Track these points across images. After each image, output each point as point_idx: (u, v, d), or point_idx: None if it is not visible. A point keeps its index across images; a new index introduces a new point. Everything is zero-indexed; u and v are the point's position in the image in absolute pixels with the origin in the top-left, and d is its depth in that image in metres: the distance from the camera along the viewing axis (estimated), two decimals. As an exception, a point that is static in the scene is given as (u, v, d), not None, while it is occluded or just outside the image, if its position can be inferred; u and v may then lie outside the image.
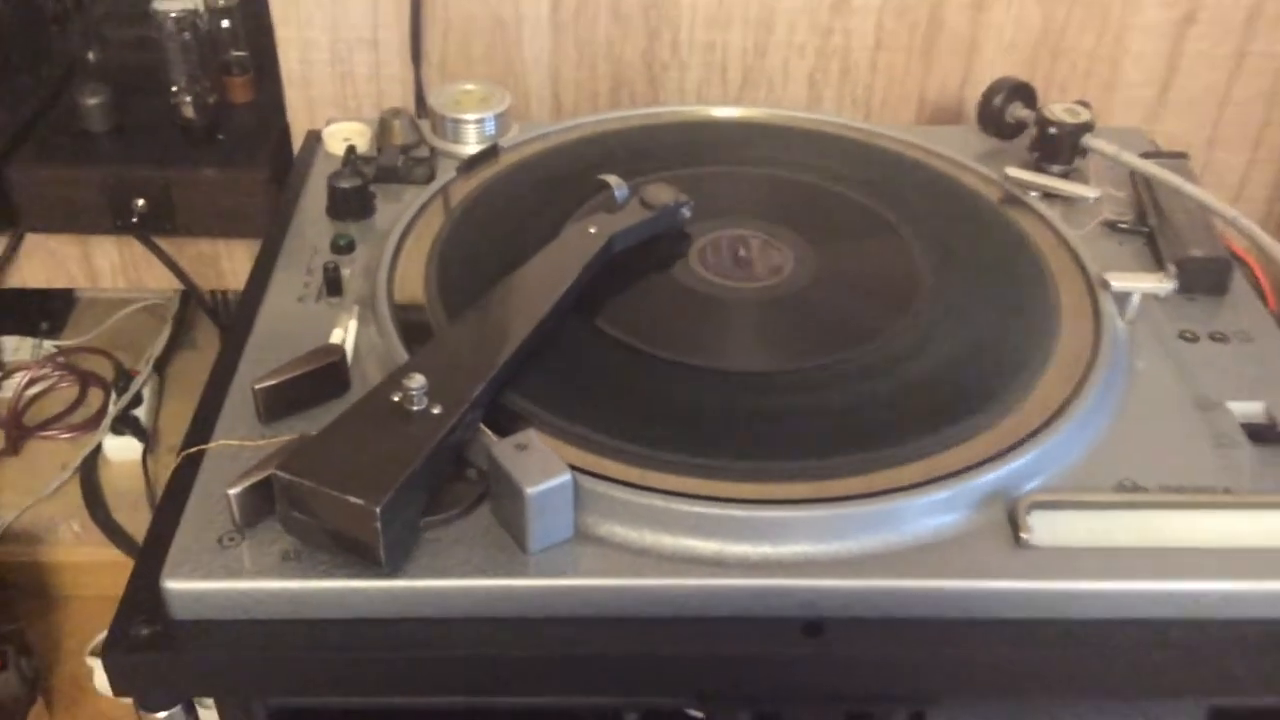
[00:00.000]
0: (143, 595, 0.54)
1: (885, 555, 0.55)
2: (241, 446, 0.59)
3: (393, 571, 0.53)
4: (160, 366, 1.37)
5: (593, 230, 0.68)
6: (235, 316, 0.69)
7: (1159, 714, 0.59)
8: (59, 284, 1.10)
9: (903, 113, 1.02)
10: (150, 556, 0.55)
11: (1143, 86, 1.01)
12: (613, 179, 0.70)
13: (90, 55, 1.04)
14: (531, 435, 0.55)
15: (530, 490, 0.53)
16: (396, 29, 0.96)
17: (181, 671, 0.54)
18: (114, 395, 1.30)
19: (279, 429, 0.60)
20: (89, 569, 1.23)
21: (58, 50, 1.12)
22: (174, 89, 0.99)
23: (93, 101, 0.99)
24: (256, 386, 0.60)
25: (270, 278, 0.71)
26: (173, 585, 0.53)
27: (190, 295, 1.38)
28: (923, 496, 0.56)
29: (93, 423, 1.31)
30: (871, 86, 1.01)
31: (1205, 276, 0.71)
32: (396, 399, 0.55)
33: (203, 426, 0.61)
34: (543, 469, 0.54)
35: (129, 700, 1.11)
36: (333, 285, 0.69)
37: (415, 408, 0.55)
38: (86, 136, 1.00)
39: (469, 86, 0.82)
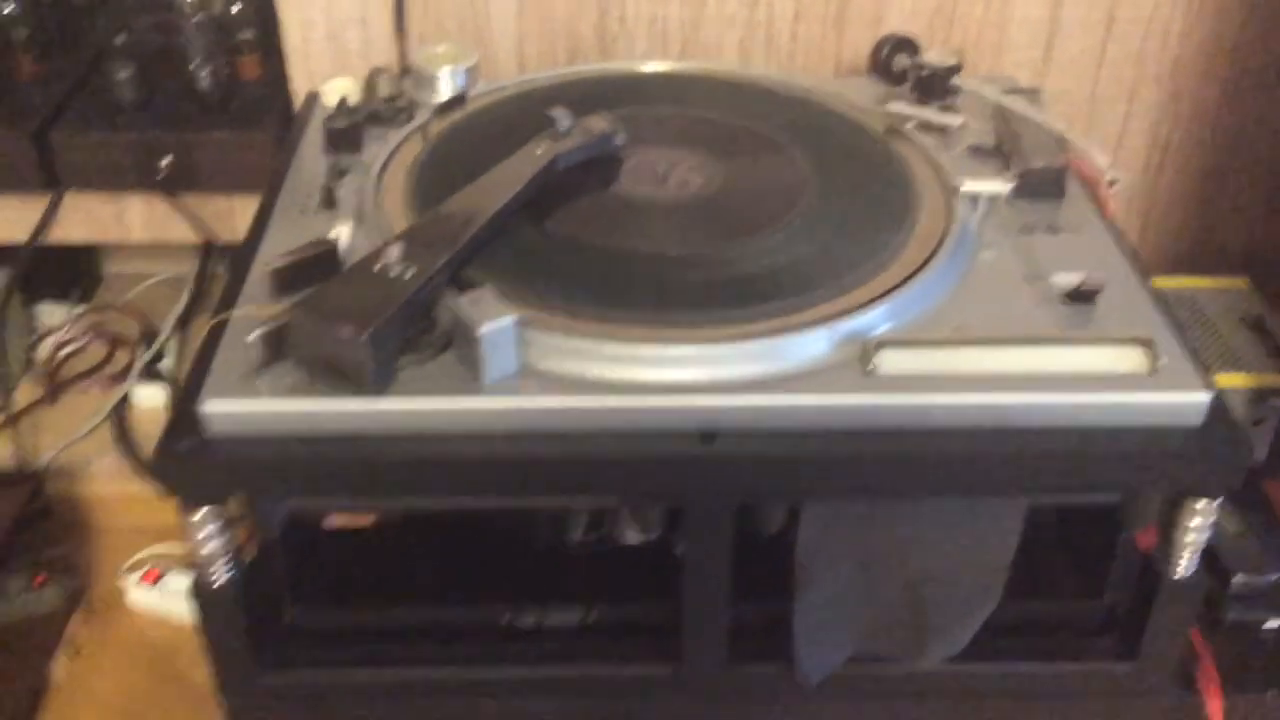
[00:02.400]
0: (184, 418, 0.70)
1: (767, 381, 0.71)
2: (259, 313, 0.74)
3: (377, 394, 0.69)
4: (182, 326, 1.53)
5: (540, 150, 0.84)
6: (251, 224, 0.85)
7: (986, 509, 0.74)
8: (94, 239, 1.25)
9: (820, 75, 1.18)
10: (189, 392, 0.71)
11: (1028, 49, 1.17)
12: (558, 111, 0.86)
13: (118, 40, 1.20)
14: (485, 291, 0.71)
15: (482, 329, 0.68)
16: (383, 8, 1.12)
17: (213, 477, 0.70)
18: (141, 349, 1.46)
19: (287, 302, 0.75)
20: (120, 502, 1.37)
21: (88, 37, 1.29)
22: (192, 65, 1.15)
23: (123, 76, 1.14)
24: (270, 267, 0.75)
25: (278, 197, 0.87)
26: (208, 408, 0.69)
27: (207, 263, 1.55)
28: (795, 336, 0.72)
29: (121, 376, 1.46)
30: (793, 54, 1.17)
31: (1045, 183, 0.87)
32: (378, 266, 0.71)
33: (227, 302, 0.77)
34: (492, 314, 0.69)
35: (154, 613, 1.26)
36: (329, 201, 0.85)
37: (393, 272, 0.71)
38: (117, 106, 1.16)
39: (442, 47, 0.98)
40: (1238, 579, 0.87)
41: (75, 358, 1.49)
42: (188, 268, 1.60)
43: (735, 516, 0.72)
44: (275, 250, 0.79)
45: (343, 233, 0.81)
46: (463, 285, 0.73)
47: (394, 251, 0.71)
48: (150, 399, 1.43)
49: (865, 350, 0.72)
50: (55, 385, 1.44)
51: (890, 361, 0.71)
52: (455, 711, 0.81)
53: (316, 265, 0.76)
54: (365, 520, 0.81)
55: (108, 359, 1.49)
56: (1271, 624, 0.86)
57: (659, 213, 0.84)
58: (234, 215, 1.24)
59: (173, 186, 1.17)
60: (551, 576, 0.85)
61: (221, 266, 1.55)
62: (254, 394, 0.69)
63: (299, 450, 0.69)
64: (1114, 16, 1.15)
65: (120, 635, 1.28)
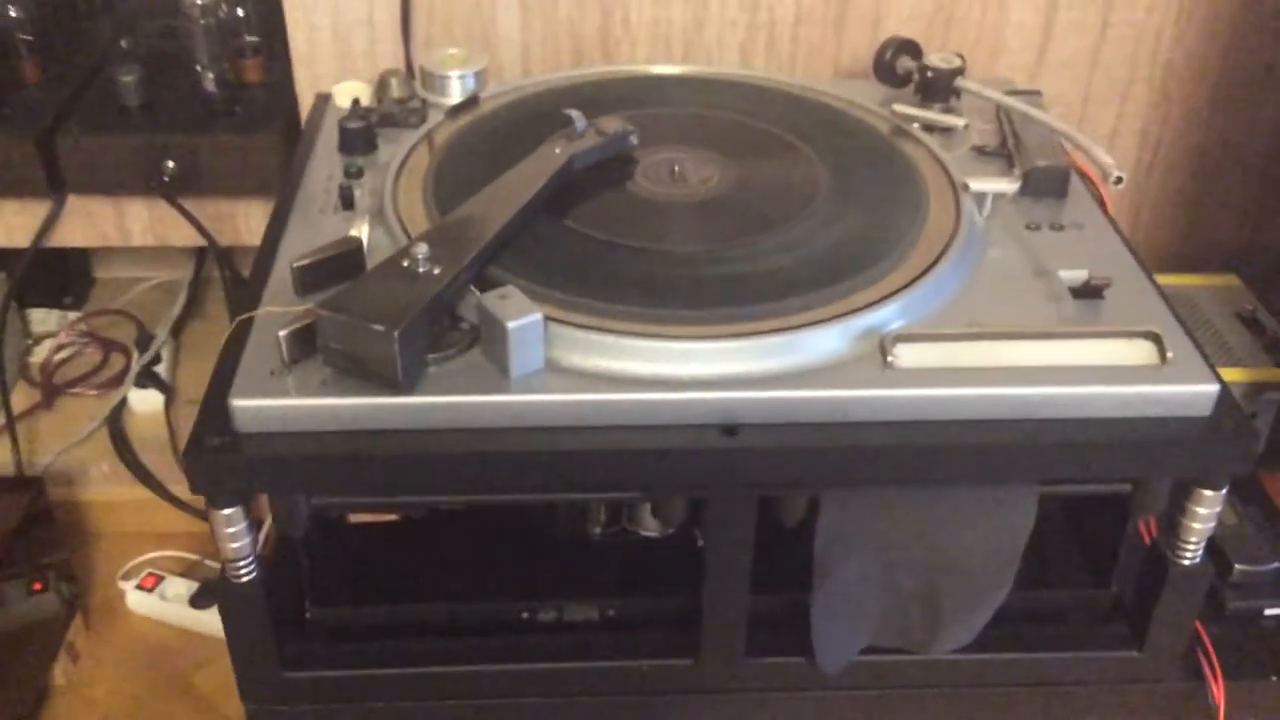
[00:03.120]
0: (214, 415, 0.70)
1: (787, 375, 0.72)
2: (284, 311, 0.75)
3: (407, 389, 0.69)
4: (176, 332, 1.53)
5: (557, 150, 0.85)
6: (269, 224, 0.86)
7: (1000, 498, 0.75)
8: (94, 243, 1.25)
9: (821, 77, 1.19)
10: (217, 388, 0.71)
11: (1024, 52, 1.20)
12: (574, 112, 0.87)
13: (123, 43, 1.20)
14: (511, 289, 0.72)
15: (511, 324, 0.69)
16: (389, 11, 1.13)
17: (243, 473, 0.70)
18: (136, 353, 1.46)
19: (310, 301, 0.76)
20: (118, 507, 1.38)
21: (91, 41, 1.29)
22: (198, 67, 1.15)
23: (128, 79, 1.15)
24: (295, 264, 0.76)
25: (295, 197, 0.87)
26: (238, 403, 0.69)
27: (202, 267, 1.56)
28: (814, 331, 0.73)
29: (116, 381, 1.46)
30: (794, 56, 1.19)
31: (1049, 182, 0.89)
32: (406, 264, 0.72)
33: (250, 301, 0.78)
34: (520, 310, 0.70)
35: (153, 618, 1.26)
36: (347, 201, 0.86)
37: (421, 269, 0.72)
38: (123, 110, 1.17)
39: (453, 50, 0.99)
40: (1238, 569, 0.89)
41: (70, 363, 1.50)
42: (180, 272, 1.61)
43: (757, 508, 0.74)
44: (295, 249, 0.80)
45: (362, 232, 0.82)
46: (485, 283, 0.74)
47: (421, 250, 0.72)
48: (147, 403, 1.43)
49: (883, 344, 0.73)
50: (51, 390, 1.44)
51: (908, 355, 0.73)
52: (476, 706, 0.82)
53: (341, 263, 0.77)
54: (387, 515, 0.82)
55: (103, 364, 1.49)
56: (1272, 611, 0.88)
57: (676, 211, 0.85)
58: (236, 218, 1.24)
59: (176, 190, 1.18)
60: (570, 571, 0.86)
61: (216, 270, 1.55)
62: (283, 390, 0.70)
63: (328, 446, 0.70)
64: (1107, 20, 1.18)
65: (119, 640, 1.28)
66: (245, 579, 0.75)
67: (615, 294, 0.75)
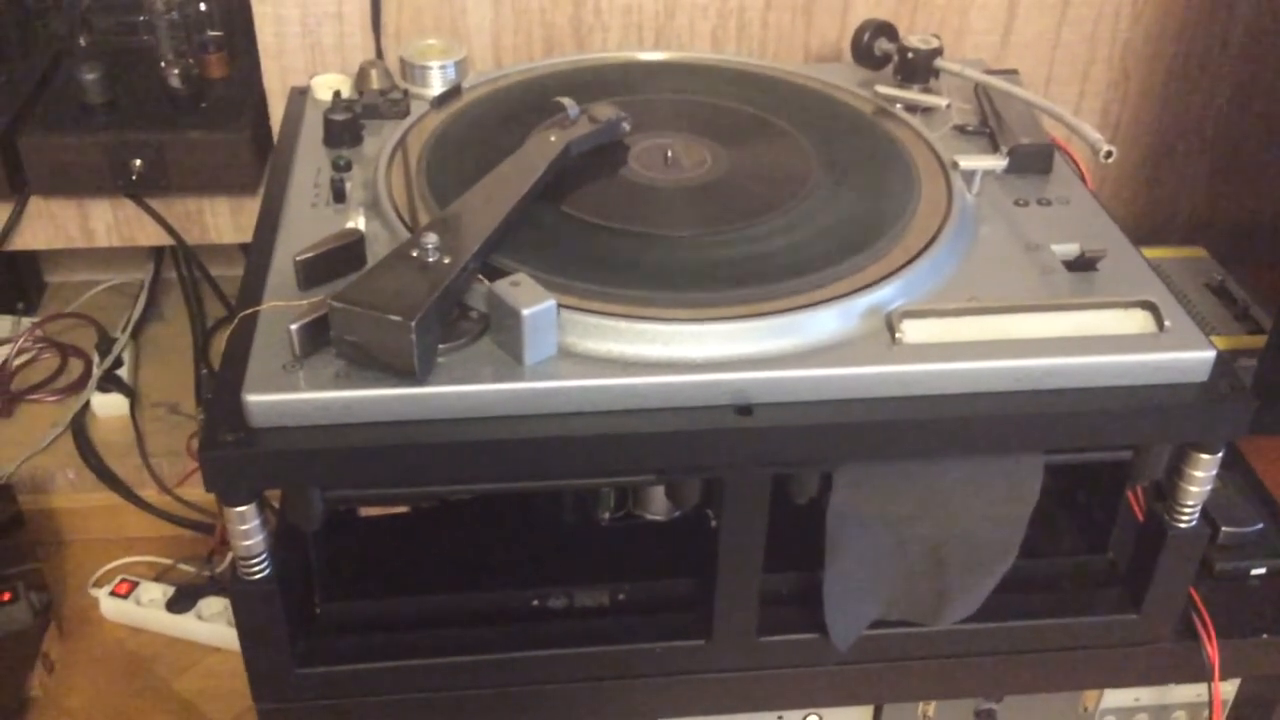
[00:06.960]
0: (226, 411, 0.69)
1: (798, 355, 0.73)
2: (288, 305, 0.74)
3: (423, 379, 0.69)
4: (135, 335, 1.50)
5: (553, 138, 0.85)
6: (259, 219, 0.84)
7: (1007, 468, 0.77)
8: (58, 245, 1.23)
9: (793, 62, 1.20)
10: (225, 386, 0.70)
11: (988, 33, 1.21)
12: (566, 100, 0.87)
13: (81, 40, 1.17)
14: (522, 276, 0.72)
15: (525, 311, 0.69)
16: (358, 3, 1.12)
17: (258, 467, 0.69)
18: (97, 357, 1.43)
19: (314, 295, 0.75)
20: (86, 513, 1.35)
21: (43, 39, 1.26)
22: (163, 63, 1.13)
23: (91, 76, 1.13)
24: (298, 258, 0.75)
25: (285, 191, 0.86)
26: (252, 398, 0.68)
27: (160, 268, 1.53)
28: (824, 310, 0.74)
29: (76, 386, 1.43)
30: (765, 41, 1.19)
31: (1032, 159, 0.90)
32: (415, 254, 0.72)
33: (250, 298, 0.77)
34: (533, 297, 0.70)
35: (129, 624, 1.25)
36: (338, 194, 0.85)
37: (430, 259, 0.71)
38: (86, 108, 1.14)
39: (432, 40, 0.99)
40: (1225, 531, 0.91)
41: (27, 369, 1.46)
42: (133, 274, 1.58)
43: (771, 486, 0.74)
44: (292, 243, 0.79)
45: (358, 224, 0.81)
46: (491, 273, 0.74)
47: (430, 239, 0.71)
48: (110, 407, 1.40)
49: (890, 321, 0.74)
50: (10, 398, 1.41)
51: (914, 331, 0.74)
52: (489, 695, 0.81)
53: (343, 256, 0.76)
54: (396, 508, 0.82)
55: (61, 369, 1.46)
56: (1258, 571, 0.91)
57: (675, 196, 0.85)
58: (203, 216, 1.22)
59: (144, 189, 1.16)
60: (580, 557, 0.86)
61: (173, 271, 1.53)
62: (296, 384, 0.69)
63: (343, 439, 0.69)
64: (1068, 1, 1.20)
65: (95, 649, 1.26)
66: (258, 576, 0.74)
67: (625, 279, 0.76)
